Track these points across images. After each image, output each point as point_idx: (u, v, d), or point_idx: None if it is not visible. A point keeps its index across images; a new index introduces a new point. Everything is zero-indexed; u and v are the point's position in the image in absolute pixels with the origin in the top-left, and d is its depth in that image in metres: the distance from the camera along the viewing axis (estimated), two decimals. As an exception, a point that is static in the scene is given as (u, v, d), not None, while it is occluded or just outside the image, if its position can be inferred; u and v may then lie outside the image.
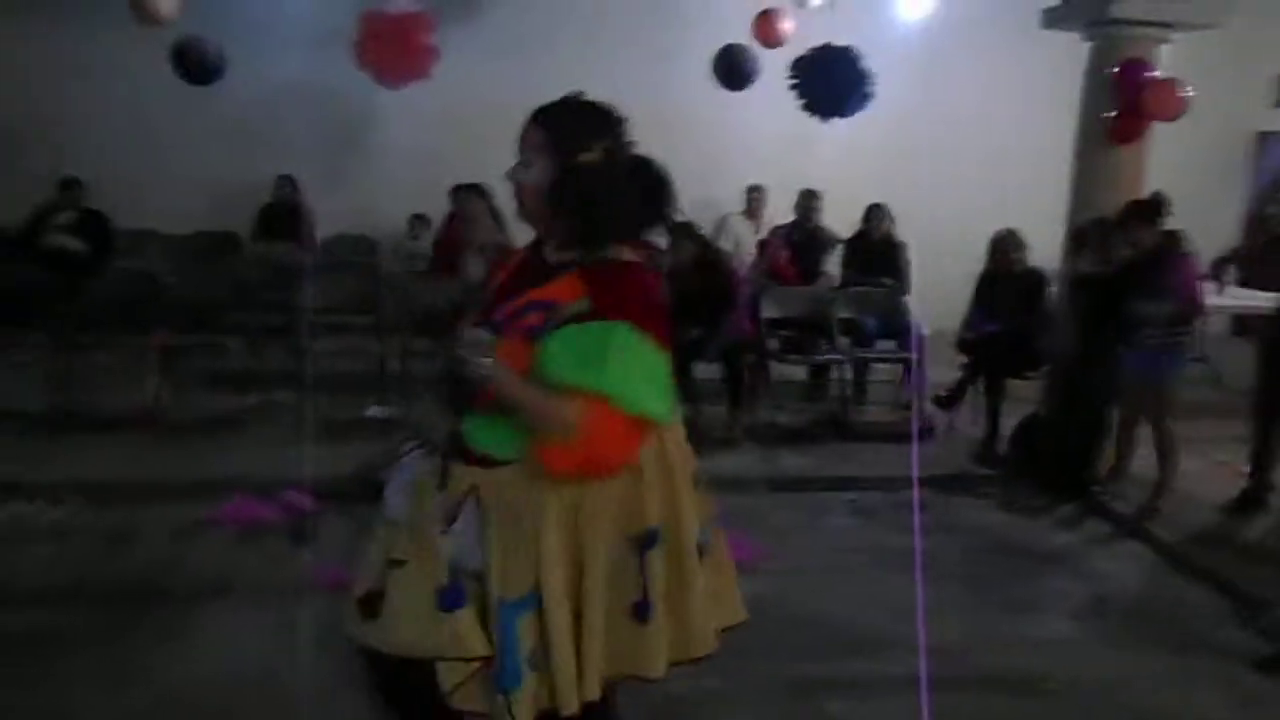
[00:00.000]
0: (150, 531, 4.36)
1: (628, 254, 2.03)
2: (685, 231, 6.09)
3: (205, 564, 4.06)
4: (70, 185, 7.49)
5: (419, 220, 8.27)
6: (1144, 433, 5.13)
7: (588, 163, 2.03)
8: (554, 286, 1.96)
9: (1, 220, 7.61)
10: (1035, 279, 5.97)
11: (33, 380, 5.72)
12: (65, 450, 5.17)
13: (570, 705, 1.98)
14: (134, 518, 4.47)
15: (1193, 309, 5.08)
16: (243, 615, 3.60)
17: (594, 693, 2.02)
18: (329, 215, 8.46)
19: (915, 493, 5.06)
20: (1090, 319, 5.18)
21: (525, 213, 2.08)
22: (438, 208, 7.66)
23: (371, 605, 2.05)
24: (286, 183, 8.13)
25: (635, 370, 1.90)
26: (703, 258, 6.05)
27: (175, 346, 5.85)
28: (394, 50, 5.36)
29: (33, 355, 5.82)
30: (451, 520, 1.98)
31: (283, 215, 7.99)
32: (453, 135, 8.10)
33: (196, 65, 7.11)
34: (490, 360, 1.89)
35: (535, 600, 1.95)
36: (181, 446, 5.36)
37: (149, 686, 3.11)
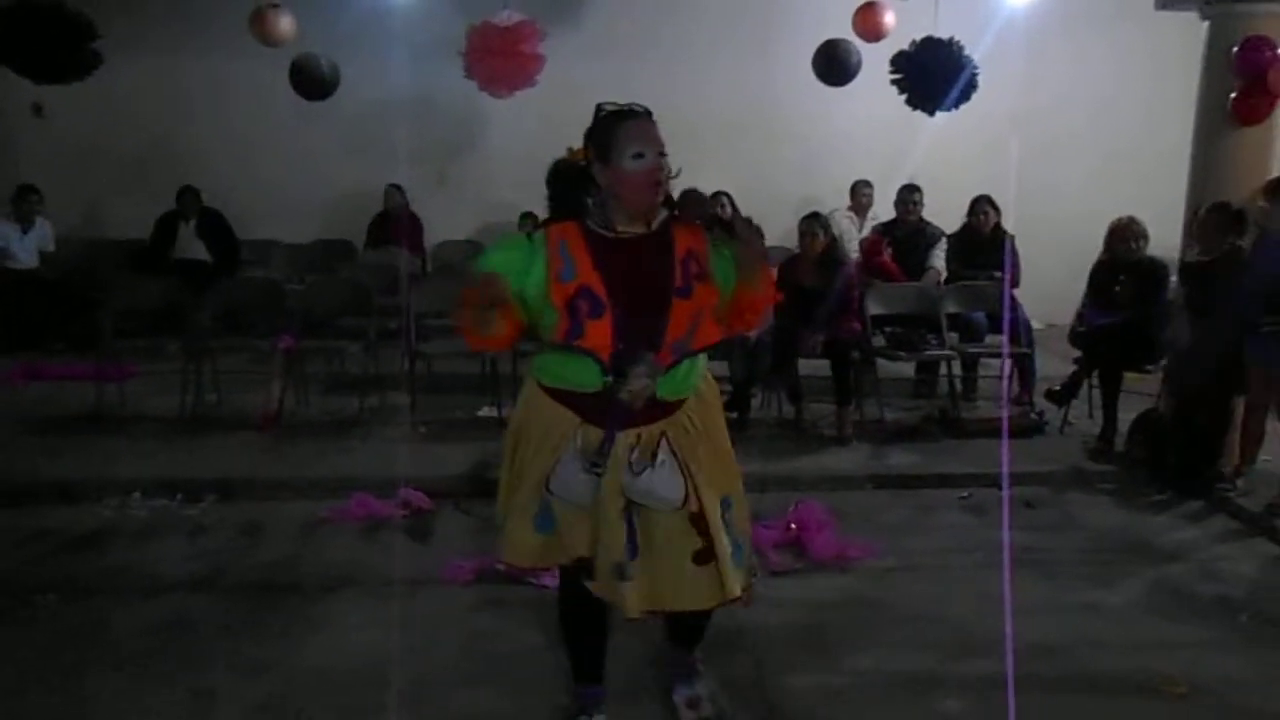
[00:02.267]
0: (278, 527, 4.58)
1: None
2: (819, 223, 6.11)
3: (329, 558, 4.24)
4: (185, 193, 7.95)
5: (529, 217, 8.43)
6: (1272, 426, 4.92)
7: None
8: (682, 242, 2.52)
9: (140, 237, 8.11)
10: (1154, 268, 5.76)
11: (170, 385, 6.06)
12: (200, 450, 5.46)
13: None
14: (263, 514, 4.70)
15: None
16: (366, 607, 3.76)
17: None
18: (439, 221, 8.72)
19: (1005, 489, 4.97)
20: (1203, 307, 4.99)
21: (657, 197, 2.48)
22: (543, 208, 7.79)
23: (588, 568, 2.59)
24: (396, 191, 8.40)
25: None
26: (829, 251, 6.06)
27: (297, 351, 6.11)
28: (502, 61, 5.50)
29: (169, 363, 6.16)
30: (643, 462, 2.46)
31: (394, 223, 8.26)
32: (555, 138, 8.20)
33: (312, 82, 7.42)
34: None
35: (730, 499, 2.62)
36: (304, 446, 5.59)
37: (281, 673, 3.28)
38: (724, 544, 2.54)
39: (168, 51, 8.37)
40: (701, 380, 2.63)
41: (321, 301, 6.51)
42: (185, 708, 3.08)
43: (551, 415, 2.54)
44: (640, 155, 2.42)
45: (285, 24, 7.03)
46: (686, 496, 2.50)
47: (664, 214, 2.53)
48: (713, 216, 2.39)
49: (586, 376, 2.46)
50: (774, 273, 2.61)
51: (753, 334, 2.69)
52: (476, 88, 6.64)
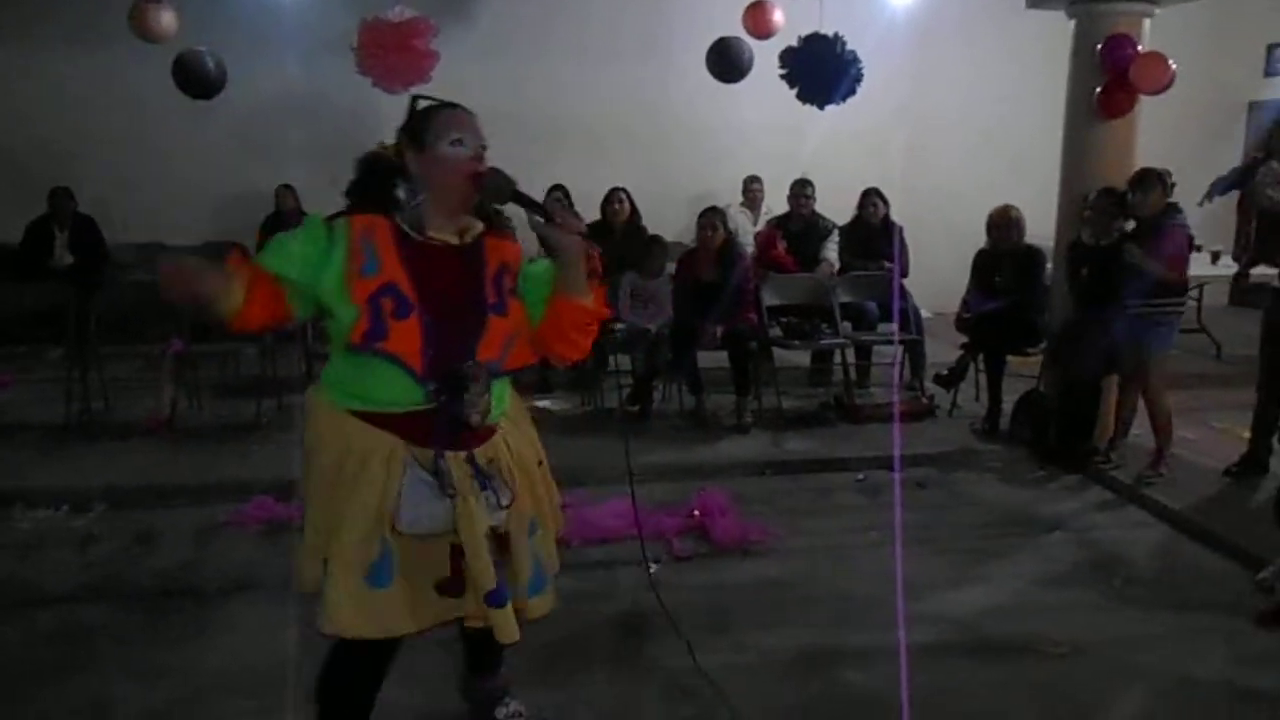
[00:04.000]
0: (173, 534, 4.46)
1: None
2: (717, 218, 6.22)
3: (228, 563, 4.16)
4: (57, 194, 7.64)
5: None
6: (1142, 403, 5.23)
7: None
8: (494, 257, 2.34)
9: (11, 240, 7.76)
10: (1032, 255, 6.05)
11: (53, 393, 5.83)
12: (87, 458, 5.28)
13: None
14: (157, 521, 4.57)
15: (1179, 280, 5.16)
16: (268, 609, 3.68)
17: None
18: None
19: (897, 472, 5.17)
20: (1086, 290, 5.27)
21: (471, 192, 2.28)
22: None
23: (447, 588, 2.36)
24: (288, 191, 8.23)
25: None
26: (726, 245, 6.18)
27: (189, 355, 5.95)
28: (395, 57, 5.45)
29: (51, 369, 5.93)
30: (504, 495, 2.34)
31: (285, 224, 8.08)
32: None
33: (197, 79, 7.20)
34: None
35: (535, 522, 2.47)
36: (198, 452, 5.46)
37: (181, 679, 3.21)
38: (525, 568, 2.40)
39: (46, 46, 8.04)
40: (510, 401, 2.44)
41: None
42: (83, 717, 2.99)
43: (363, 441, 2.23)
44: (459, 142, 2.24)
45: (166, 19, 6.81)
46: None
47: (478, 227, 2.34)
48: (515, 193, 2.13)
49: (396, 391, 2.21)
50: (599, 286, 2.37)
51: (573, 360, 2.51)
52: (369, 85, 6.55)
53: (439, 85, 6.91)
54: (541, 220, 2.25)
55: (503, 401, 2.37)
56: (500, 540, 2.37)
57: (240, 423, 5.87)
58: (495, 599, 2.30)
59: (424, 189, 2.26)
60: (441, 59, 6.16)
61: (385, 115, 8.91)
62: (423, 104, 2.34)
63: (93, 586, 3.91)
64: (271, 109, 8.02)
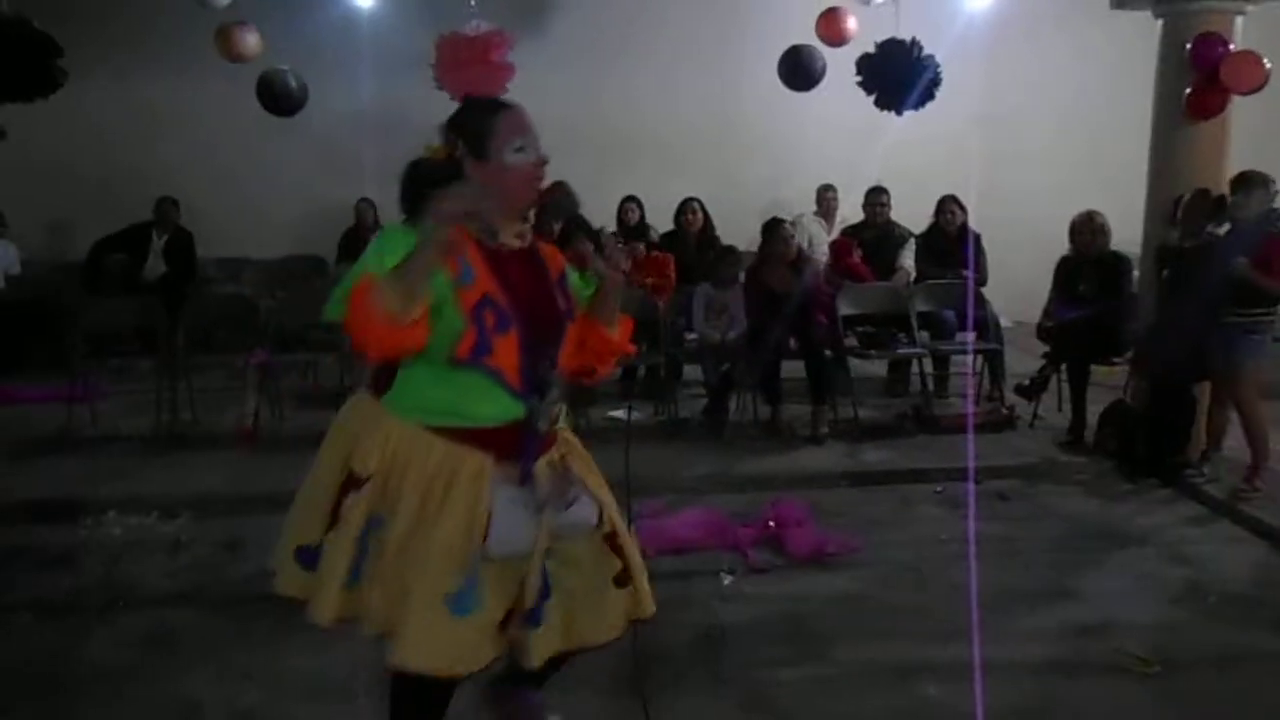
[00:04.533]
0: (258, 541, 4.52)
1: None
2: (781, 228, 6.21)
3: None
4: (164, 203, 7.91)
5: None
6: (1237, 415, 5.04)
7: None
8: (552, 261, 2.28)
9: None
10: (1117, 262, 5.89)
11: (144, 403, 6.03)
12: (176, 467, 5.43)
13: None
14: (242, 528, 4.67)
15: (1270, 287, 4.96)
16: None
17: None
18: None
19: (970, 483, 5.04)
20: (1171, 292, 5.10)
21: (527, 195, 2.19)
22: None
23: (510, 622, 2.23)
24: (367, 205, 8.41)
25: None
26: (797, 256, 6.15)
27: (272, 365, 6.10)
28: (472, 70, 5.53)
29: (142, 381, 6.13)
30: (571, 493, 2.23)
31: (365, 237, 8.26)
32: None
33: (280, 97, 7.41)
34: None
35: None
36: (281, 460, 5.57)
37: (267, 682, 3.27)
38: (637, 559, 2.36)
39: (133, 70, 8.33)
40: None
41: (294, 316, 6.50)
42: (171, 718, 3.07)
43: (447, 461, 2.10)
44: (522, 149, 2.13)
45: (251, 40, 7.03)
46: (601, 517, 2.28)
47: (529, 231, 2.25)
48: (577, 218, 2.01)
49: (491, 407, 2.11)
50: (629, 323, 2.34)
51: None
52: (445, 100, 6.65)
53: (515, 98, 7.05)
54: (591, 247, 2.21)
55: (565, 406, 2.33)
56: (612, 536, 2.30)
57: (321, 431, 5.96)
58: (533, 618, 2.19)
59: (489, 197, 2.12)
60: (517, 71, 6.24)
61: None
62: (475, 101, 2.25)
63: (181, 591, 4.02)
64: (350, 125, 8.20)
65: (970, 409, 6.19)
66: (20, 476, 5.30)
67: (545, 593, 2.21)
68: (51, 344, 6.79)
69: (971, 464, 5.09)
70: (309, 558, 2.21)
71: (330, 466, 2.23)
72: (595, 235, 2.17)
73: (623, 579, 2.33)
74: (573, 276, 2.31)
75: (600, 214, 7.88)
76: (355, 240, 8.36)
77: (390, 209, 7.91)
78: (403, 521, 2.09)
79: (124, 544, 4.56)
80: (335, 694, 3.14)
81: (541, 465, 2.21)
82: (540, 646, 2.24)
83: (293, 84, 7.44)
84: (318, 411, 6.24)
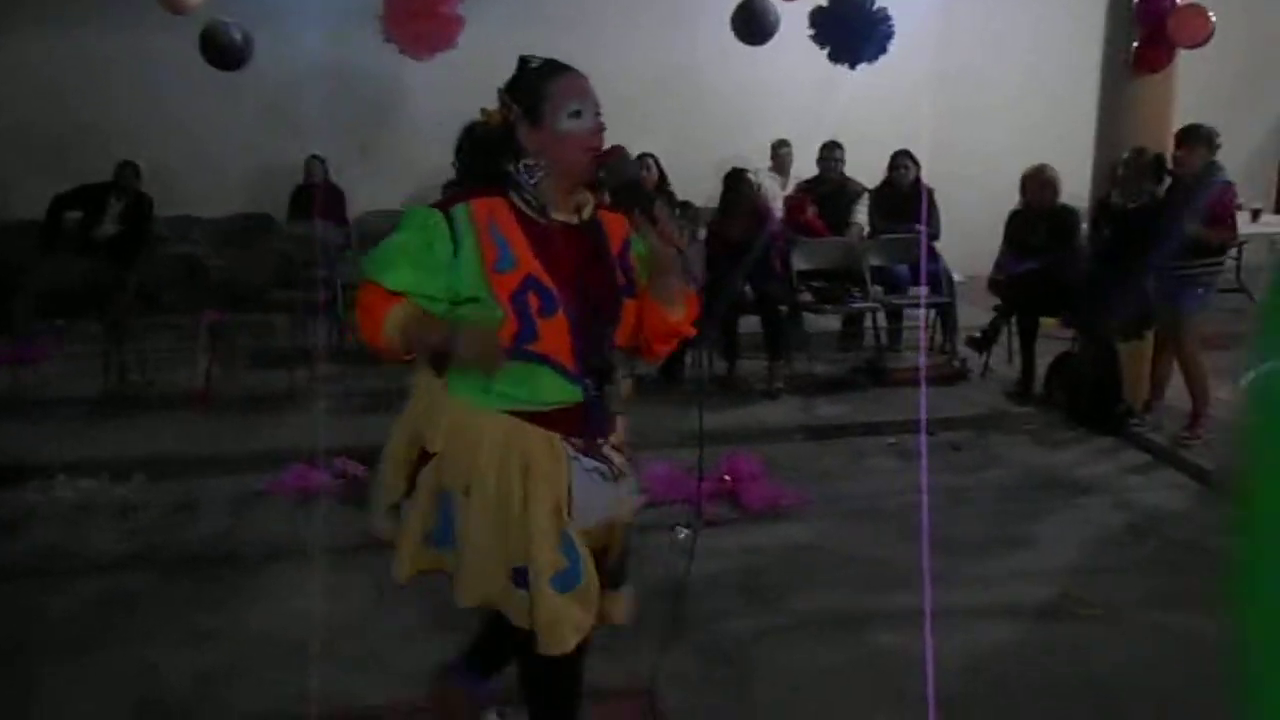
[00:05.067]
0: (211, 503, 4.54)
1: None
2: (743, 179, 6.20)
3: (266, 530, 4.22)
4: (126, 168, 7.68)
5: (452, 187, 8.36)
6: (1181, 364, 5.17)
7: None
8: (613, 235, 2.16)
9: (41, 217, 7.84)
10: (1066, 215, 5.97)
11: (92, 365, 5.93)
12: (126, 429, 5.37)
13: None
14: (194, 490, 4.65)
15: (1222, 238, 5.07)
16: (306, 575, 3.75)
17: None
18: (364, 191, 8.61)
19: (923, 436, 5.13)
20: (1118, 250, 5.20)
21: (582, 164, 2.08)
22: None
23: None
24: (317, 162, 8.26)
25: None
26: (756, 206, 6.16)
27: (223, 325, 6.02)
28: (420, 22, 5.43)
29: (90, 343, 6.02)
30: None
31: (315, 195, 8.13)
32: (479, 104, 8.17)
33: (224, 51, 7.21)
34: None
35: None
36: (234, 421, 5.53)
37: (224, 643, 3.28)
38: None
39: (75, 24, 8.07)
40: None
41: (245, 276, 6.41)
42: (131, 681, 3.07)
43: (516, 439, 2.05)
44: (578, 114, 2.04)
45: (193, -9, 6.82)
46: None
47: (590, 203, 2.14)
48: (630, 185, 1.85)
49: (547, 391, 2.04)
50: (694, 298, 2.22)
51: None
52: (395, 54, 6.53)
53: (468, 53, 6.96)
54: (644, 220, 2.07)
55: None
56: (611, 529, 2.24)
57: (274, 392, 5.94)
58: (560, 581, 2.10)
59: (542, 166, 2.06)
60: (469, 27, 6.13)
61: (412, 86, 9.01)
62: (533, 63, 2.13)
63: (135, 554, 3.99)
64: (298, 80, 8.01)
65: (923, 362, 6.28)
66: (-36, 441, 5.21)
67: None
68: (-2, 304, 6.64)
69: (924, 416, 5.18)
70: (397, 513, 2.25)
71: (400, 440, 2.24)
72: (649, 205, 2.06)
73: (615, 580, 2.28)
74: (637, 246, 2.15)
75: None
76: (305, 198, 8.23)
77: (340, 165, 7.76)
78: (479, 500, 2.06)
79: (76, 507, 4.51)
80: (294, 655, 3.14)
81: (605, 444, 2.17)
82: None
83: (237, 37, 7.24)
84: (271, 371, 6.19)
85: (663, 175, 7.32)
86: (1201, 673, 3.06)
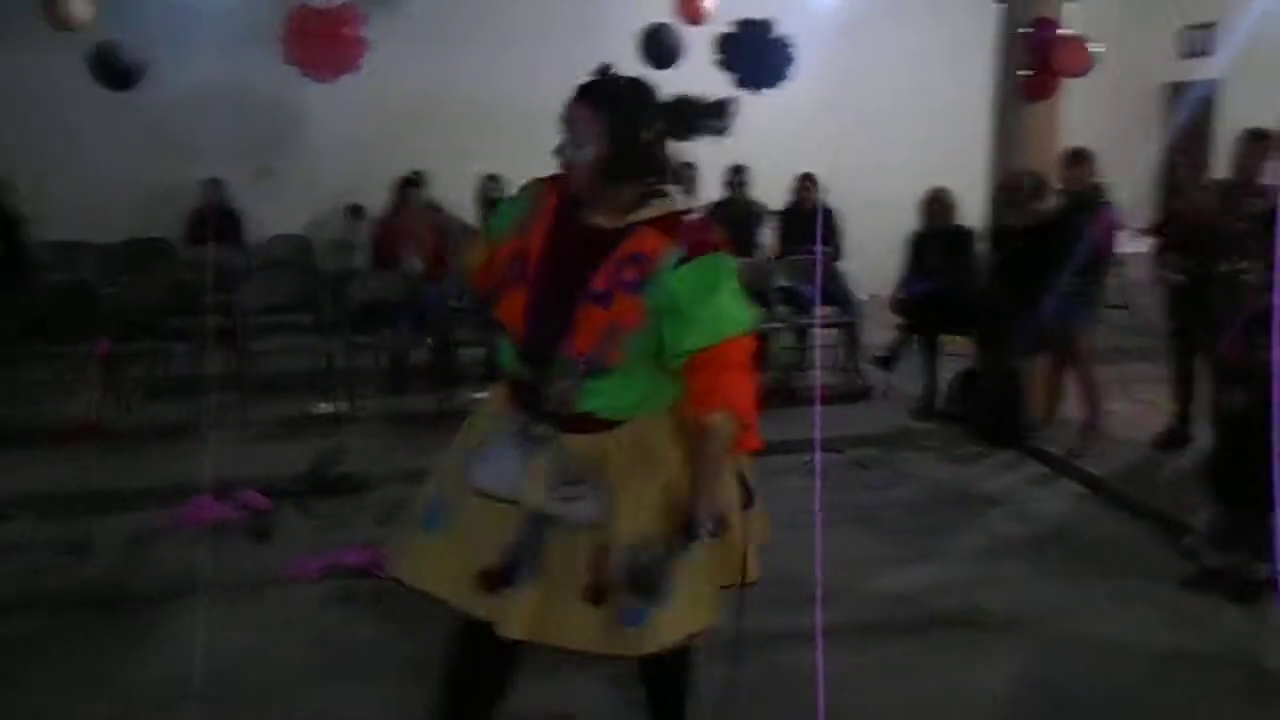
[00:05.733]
0: (106, 540, 4.32)
1: (675, 203, 2.18)
2: None
3: (166, 568, 4.05)
4: None
5: (354, 212, 8.23)
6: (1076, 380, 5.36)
7: (649, 139, 2.16)
8: (632, 244, 2.09)
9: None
10: (963, 235, 6.14)
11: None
12: (11, 464, 5.10)
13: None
14: (88, 527, 4.42)
15: (1108, 257, 5.30)
16: (210, 613, 3.60)
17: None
18: (266, 215, 8.40)
19: (818, 455, 5.18)
20: (1012, 270, 5.38)
21: (579, 189, 2.15)
22: (371, 200, 7.66)
23: (490, 581, 2.17)
24: (213, 186, 8.04)
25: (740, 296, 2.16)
26: None
27: (118, 355, 5.78)
28: (323, 44, 5.35)
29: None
30: (577, 488, 2.13)
31: (212, 219, 7.89)
32: (382, 126, 8.09)
33: (116, 70, 6.99)
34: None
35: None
36: (130, 454, 5.31)
37: (115, 689, 3.12)
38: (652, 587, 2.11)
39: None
40: (667, 411, 2.16)
41: (139, 303, 6.18)
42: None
43: (498, 394, 2.29)
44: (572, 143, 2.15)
45: (81, 7, 6.58)
46: (599, 523, 2.13)
47: (643, 214, 2.12)
48: None
49: (506, 357, 2.23)
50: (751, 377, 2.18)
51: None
52: (294, 76, 6.41)
53: (369, 74, 6.88)
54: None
55: (634, 396, 2.13)
56: (601, 550, 2.13)
57: (172, 424, 5.72)
58: (505, 578, 2.15)
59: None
60: (373, 48, 6.07)
61: (312, 105, 8.85)
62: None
63: (20, 597, 3.78)
64: (195, 100, 7.80)
65: (818, 380, 6.37)
66: None
67: (525, 564, 2.14)
68: None
69: (818, 435, 5.23)
70: None
71: None
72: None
73: (593, 597, 2.15)
74: (665, 276, 2.05)
75: (462, 190, 7.76)
76: (203, 222, 7.99)
77: (237, 187, 7.58)
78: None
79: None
80: (189, 703, 3.01)
81: (571, 443, 2.13)
82: (514, 615, 2.14)
83: (129, 55, 7.02)
84: (168, 403, 5.97)
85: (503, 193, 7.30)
86: (1103, 677, 3.19)
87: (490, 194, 7.65)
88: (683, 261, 2.05)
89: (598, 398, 2.11)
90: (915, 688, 3.16)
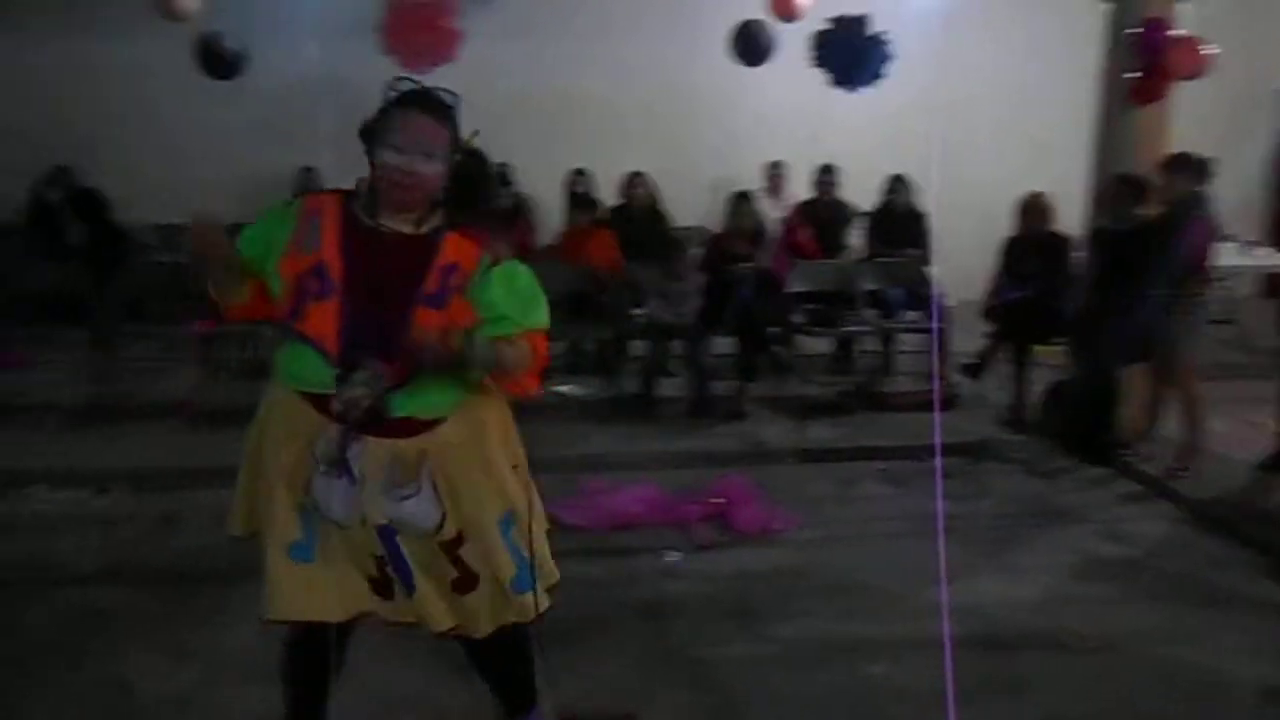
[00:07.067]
0: (195, 516, 4.45)
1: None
2: (748, 200, 6.21)
3: (249, 546, 4.13)
4: (59, 173, 7.62)
5: (443, 203, 8.34)
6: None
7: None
8: (449, 251, 2.22)
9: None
10: (1059, 242, 5.97)
11: (75, 374, 5.85)
12: (108, 440, 5.28)
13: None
14: (177, 503, 4.57)
15: (1196, 270, 5.05)
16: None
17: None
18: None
19: (939, 461, 5.08)
20: (1109, 278, 5.19)
21: (410, 199, 2.20)
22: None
23: (381, 590, 2.34)
24: (307, 173, 8.22)
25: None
26: (758, 229, 6.17)
27: (212, 336, 5.94)
28: (420, 35, 5.42)
29: (73, 351, 5.95)
30: (409, 487, 2.20)
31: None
32: (472, 119, 8.13)
33: (219, 60, 7.19)
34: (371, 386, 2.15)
35: (511, 515, 2.32)
36: (220, 433, 5.44)
37: (202, 662, 3.20)
38: (506, 564, 2.29)
39: (68, 27, 8.03)
40: (475, 397, 2.28)
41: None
42: (104, 699, 3.00)
43: (294, 409, 2.23)
44: (399, 149, 2.16)
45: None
46: (441, 524, 2.24)
47: (437, 221, 2.25)
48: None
49: (313, 373, 2.17)
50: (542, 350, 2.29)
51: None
52: (390, 67, 6.51)
53: (461, 66, 6.94)
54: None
55: (449, 396, 2.23)
56: (452, 544, 2.27)
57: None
58: (399, 584, 2.30)
59: (371, 183, 2.24)
60: (467, 40, 6.12)
61: (407, 97, 8.83)
62: (395, 92, 2.26)
63: (114, 568, 3.92)
64: (294, 91, 7.99)
65: (936, 384, 6.21)
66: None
67: (402, 565, 2.26)
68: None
69: (939, 440, 5.10)
70: None
71: None
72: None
73: (461, 586, 2.30)
74: (481, 281, 2.21)
75: (549, 184, 7.80)
76: (298, 208, 8.18)
77: (334, 177, 7.73)
78: (271, 476, 2.28)
79: (55, 519, 4.43)
80: (269, 676, 3.07)
81: (381, 446, 2.19)
82: (433, 614, 2.30)
83: (232, 47, 7.22)
84: (257, 383, 6.09)
85: (654, 194, 7.31)
86: (1200, 711, 3.05)
87: (577, 188, 7.67)
88: (490, 266, 2.22)
89: (414, 400, 2.19)
90: (999, 708, 3.06)
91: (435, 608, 2.31)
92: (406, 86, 2.26)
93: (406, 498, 2.20)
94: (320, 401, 2.17)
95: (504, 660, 2.51)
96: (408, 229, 2.22)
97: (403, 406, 2.18)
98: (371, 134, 2.21)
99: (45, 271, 6.51)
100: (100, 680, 3.09)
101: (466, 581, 2.30)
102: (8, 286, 6.10)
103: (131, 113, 8.26)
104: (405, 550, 2.25)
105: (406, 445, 2.21)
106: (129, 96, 8.26)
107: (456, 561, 2.28)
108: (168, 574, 3.87)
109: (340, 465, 2.17)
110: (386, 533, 2.23)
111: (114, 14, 7.65)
